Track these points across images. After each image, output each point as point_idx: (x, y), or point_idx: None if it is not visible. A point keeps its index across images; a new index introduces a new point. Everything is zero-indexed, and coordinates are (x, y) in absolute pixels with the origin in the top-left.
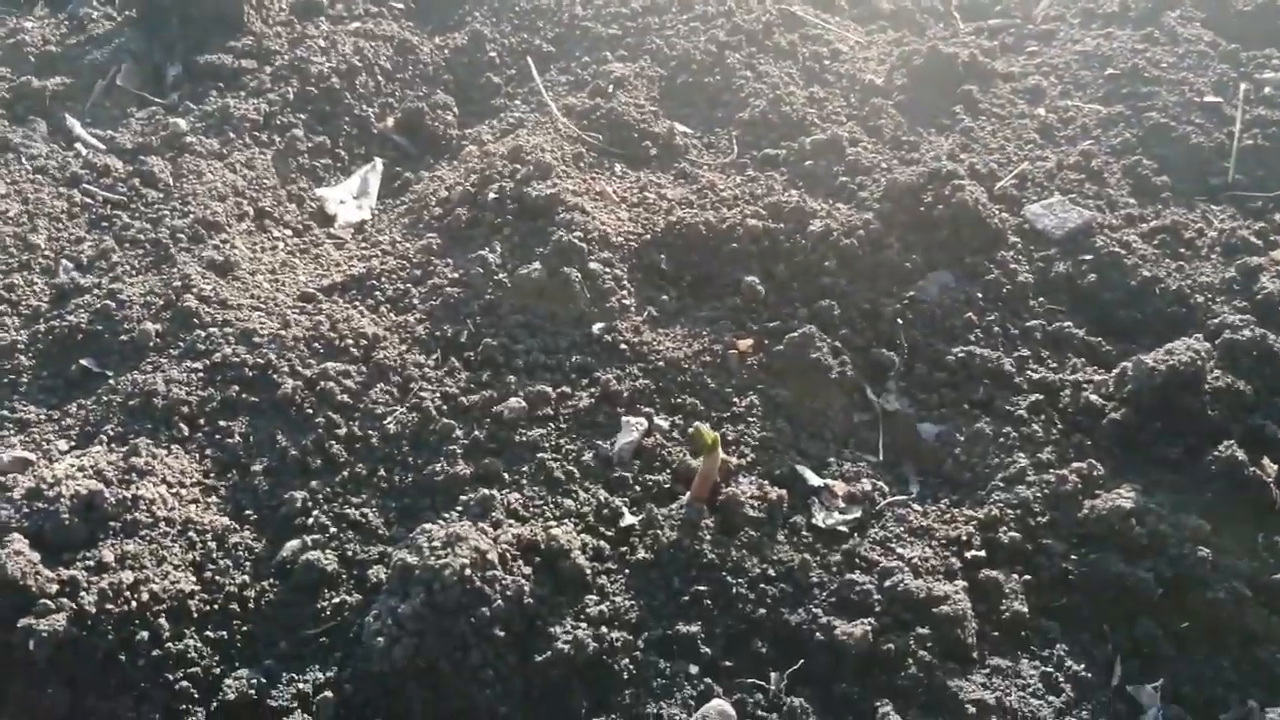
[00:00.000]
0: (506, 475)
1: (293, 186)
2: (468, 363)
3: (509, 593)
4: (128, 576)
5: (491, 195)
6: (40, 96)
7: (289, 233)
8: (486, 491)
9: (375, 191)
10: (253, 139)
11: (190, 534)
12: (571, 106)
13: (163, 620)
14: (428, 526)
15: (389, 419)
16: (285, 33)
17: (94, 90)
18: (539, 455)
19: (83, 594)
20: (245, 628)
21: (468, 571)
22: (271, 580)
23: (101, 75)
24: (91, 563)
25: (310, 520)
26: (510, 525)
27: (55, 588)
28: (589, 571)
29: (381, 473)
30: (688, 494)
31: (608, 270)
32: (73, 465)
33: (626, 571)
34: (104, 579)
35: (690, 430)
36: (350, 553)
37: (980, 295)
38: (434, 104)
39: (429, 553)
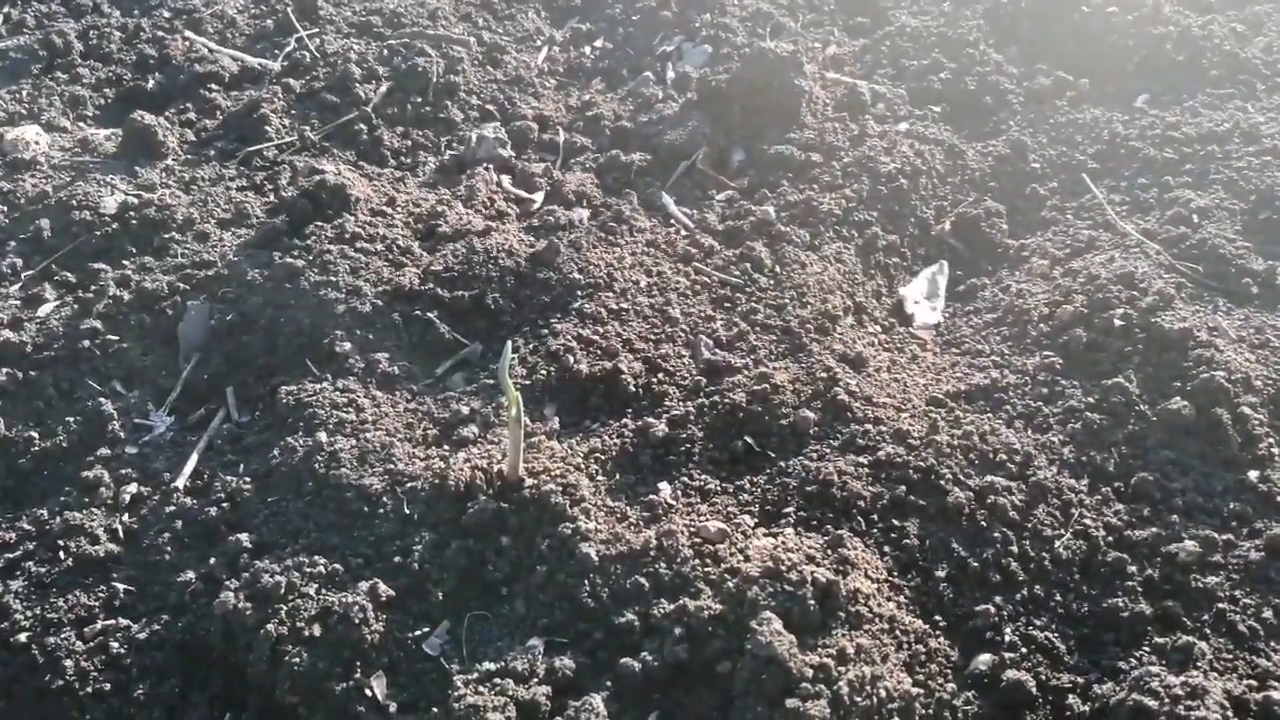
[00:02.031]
0: (1187, 621)
1: (872, 283)
2: (1119, 494)
3: None
4: (866, 670)
5: (1117, 322)
6: (627, 170)
7: (878, 329)
8: (1187, 638)
9: (943, 294)
10: (835, 233)
11: (897, 633)
12: (1152, 232)
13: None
14: (1154, 670)
15: (1058, 543)
16: (840, 129)
17: (675, 169)
18: (1216, 605)
19: (838, 683)
20: None
21: None
22: (972, 692)
23: (680, 155)
24: (834, 651)
25: (1001, 636)
26: (1214, 678)
27: (810, 672)
28: None
29: (1057, 597)
30: None
31: (1256, 415)
32: (779, 546)
33: None
34: (849, 669)
35: None
36: (1042, 676)
37: None
38: (987, 211)
39: (1170, 701)
